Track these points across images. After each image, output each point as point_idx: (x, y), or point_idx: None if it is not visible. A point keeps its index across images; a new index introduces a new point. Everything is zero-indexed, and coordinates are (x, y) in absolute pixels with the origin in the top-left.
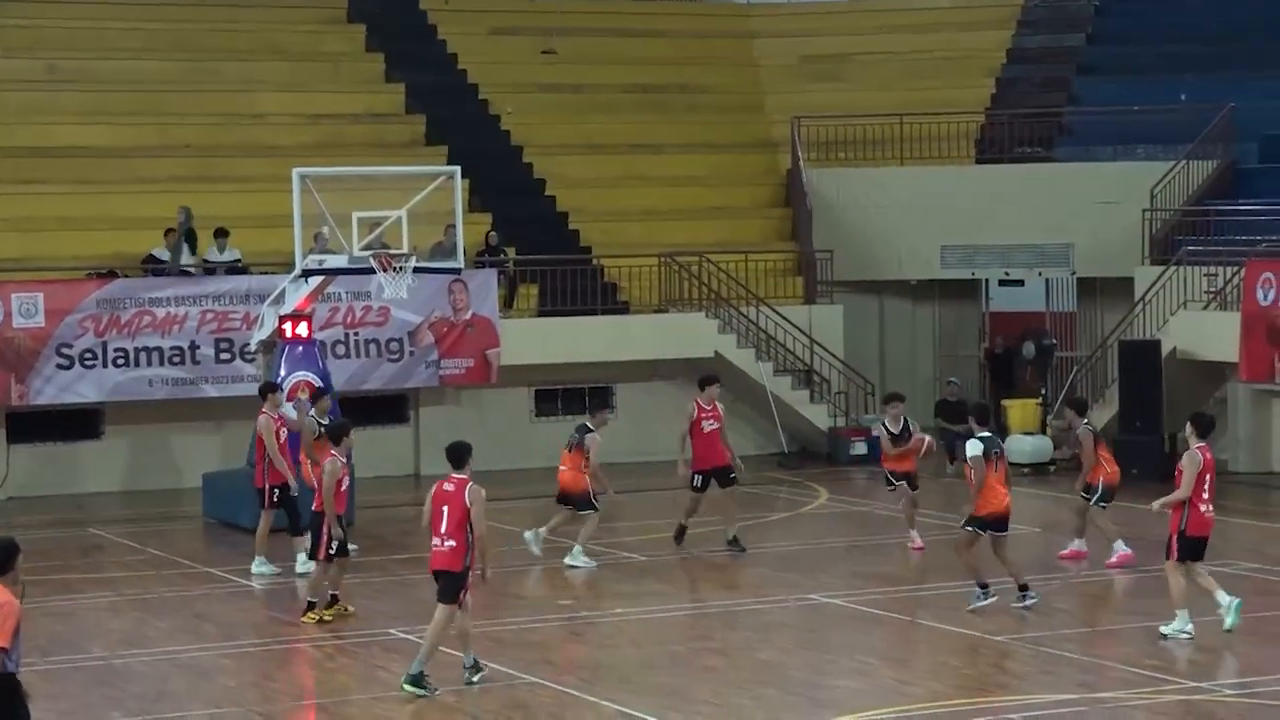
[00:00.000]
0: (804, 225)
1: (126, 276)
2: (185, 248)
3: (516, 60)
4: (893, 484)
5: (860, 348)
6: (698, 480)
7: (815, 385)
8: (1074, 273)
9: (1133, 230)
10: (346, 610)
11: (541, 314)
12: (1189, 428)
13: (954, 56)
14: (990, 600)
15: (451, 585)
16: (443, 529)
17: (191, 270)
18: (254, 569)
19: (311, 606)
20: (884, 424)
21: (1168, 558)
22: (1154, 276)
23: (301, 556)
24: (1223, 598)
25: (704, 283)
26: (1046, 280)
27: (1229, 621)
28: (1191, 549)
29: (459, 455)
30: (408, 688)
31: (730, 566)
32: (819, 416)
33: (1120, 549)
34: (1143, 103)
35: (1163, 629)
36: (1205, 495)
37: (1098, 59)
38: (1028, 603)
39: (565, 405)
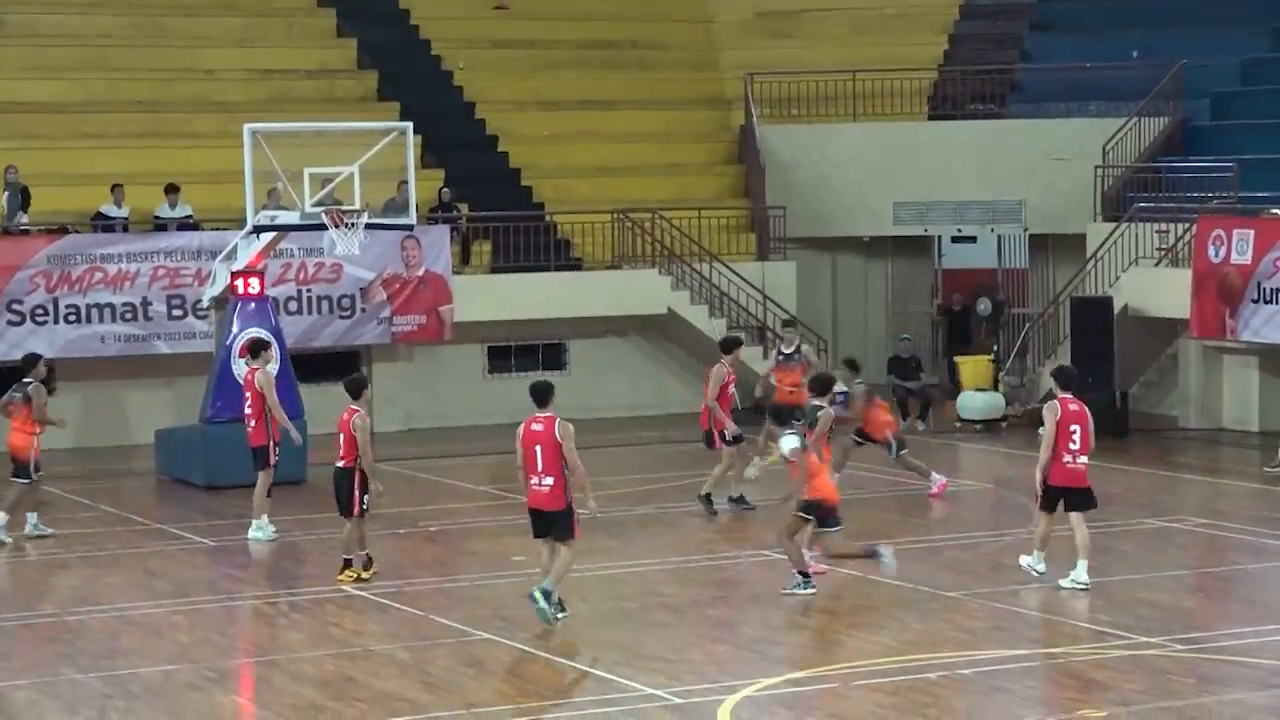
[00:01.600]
0: (757, 182)
1: (77, 232)
2: (19, 204)
3: (469, 16)
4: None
5: (813, 304)
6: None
7: (768, 342)
8: (1026, 229)
9: (1084, 187)
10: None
11: (494, 270)
12: (1052, 380)
13: (907, 13)
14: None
15: (563, 524)
16: (538, 468)
17: (31, 228)
18: (252, 533)
19: (348, 564)
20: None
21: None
22: (1106, 233)
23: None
24: (1038, 565)
25: (657, 239)
26: (999, 237)
27: (1039, 569)
28: (1054, 499)
29: (544, 394)
30: (540, 601)
31: (683, 524)
32: None
33: (937, 479)
34: (1094, 59)
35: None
36: (1073, 446)
37: (1050, 15)
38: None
39: (518, 363)
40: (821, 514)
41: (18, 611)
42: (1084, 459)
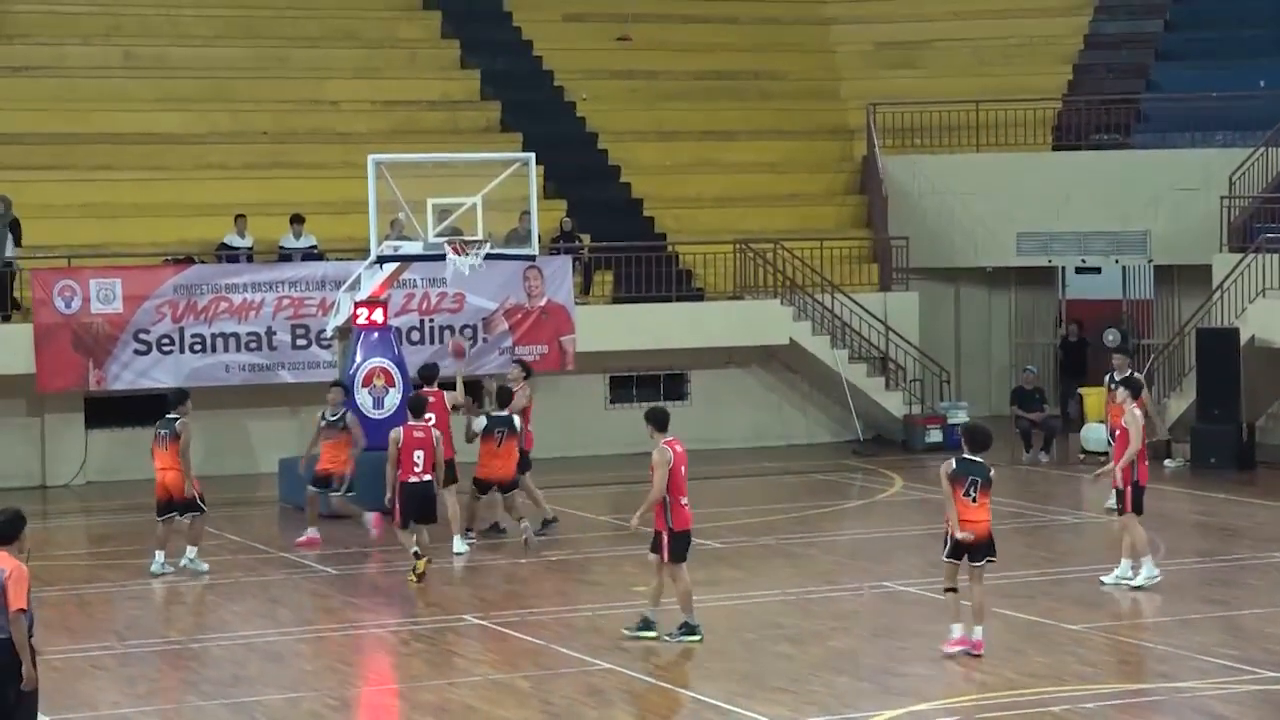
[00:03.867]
0: (879, 212)
1: (203, 262)
2: (10, 239)
3: (591, 47)
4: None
5: (936, 335)
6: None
7: (890, 372)
8: (1151, 260)
9: (1211, 217)
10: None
11: (616, 301)
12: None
13: (1031, 43)
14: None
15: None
16: (685, 489)
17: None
18: (456, 548)
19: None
20: None
21: (1122, 512)
22: (1232, 264)
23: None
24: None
25: (779, 269)
26: (1123, 268)
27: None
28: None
29: (665, 419)
30: (685, 638)
31: (804, 555)
32: (894, 404)
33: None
34: (1221, 89)
35: (1105, 579)
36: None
37: (1176, 45)
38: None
39: (640, 393)
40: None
41: (143, 639)
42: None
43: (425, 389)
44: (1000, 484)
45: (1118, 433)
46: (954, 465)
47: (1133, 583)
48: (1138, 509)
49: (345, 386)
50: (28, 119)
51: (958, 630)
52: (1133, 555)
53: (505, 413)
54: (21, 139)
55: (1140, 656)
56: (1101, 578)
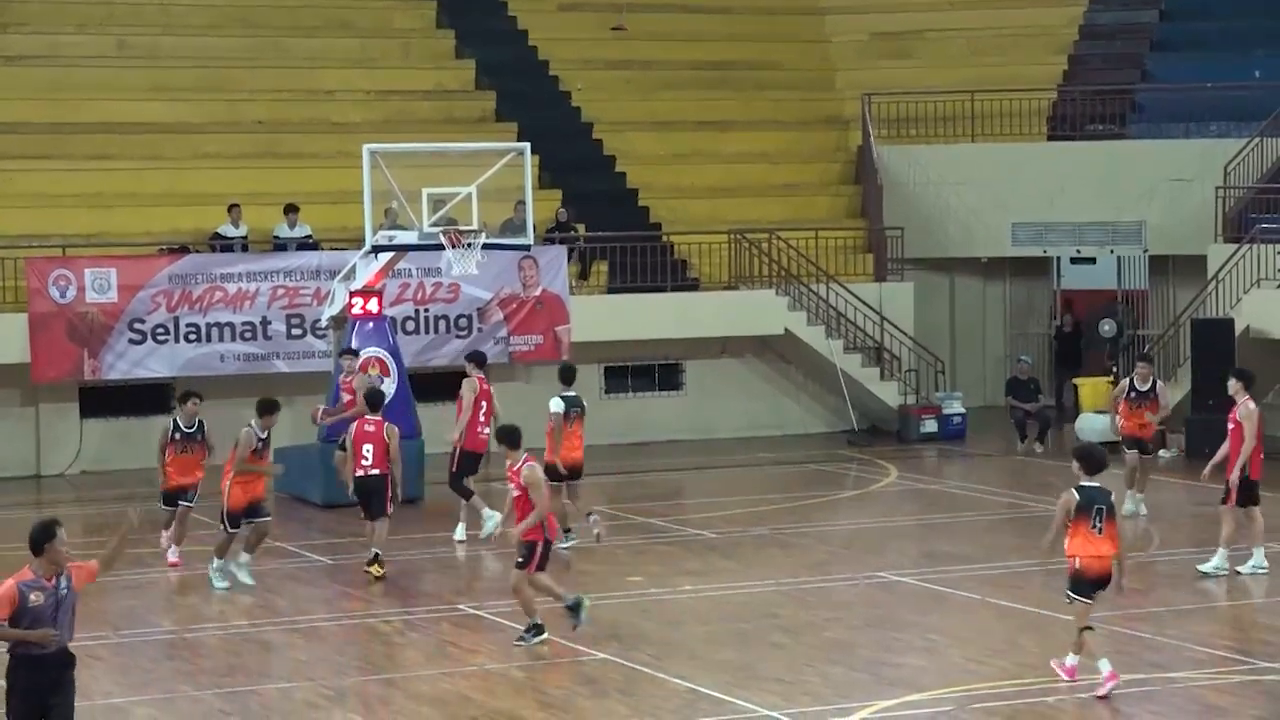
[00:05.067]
0: (874, 202)
1: (198, 252)
2: None
3: (586, 37)
4: None
5: (931, 325)
6: None
7: (885, 363)
8: (1146, 250)
9: (1206, 208)
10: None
11: (611, 291)
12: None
13: (1026, 33)
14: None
15: None
16: None
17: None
18: (485, 529)
19: (377, 559)
20: None
21: (1225, 503)
22: (1227, 255)
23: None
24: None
25: (774, 260)
26: (1118, 258)
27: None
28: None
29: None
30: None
31: (798, 545)
32: (889, 394)
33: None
34: (1216, 79)
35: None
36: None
37: (1170, 35)
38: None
39: (635, 383)
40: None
41: (137, 629)
42: None
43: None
44: (995, 474)
45: (1230, 432)
46: (1077, 496)
47: (1243, 569)
48: (1249, 501)
49: (197, 396)
50: (22, 108)
51: (1106, 665)
52: (1229, 544)
53: (574, 392)
54: (16, 128)
55: (1134, 646)
56: (1199, 565)
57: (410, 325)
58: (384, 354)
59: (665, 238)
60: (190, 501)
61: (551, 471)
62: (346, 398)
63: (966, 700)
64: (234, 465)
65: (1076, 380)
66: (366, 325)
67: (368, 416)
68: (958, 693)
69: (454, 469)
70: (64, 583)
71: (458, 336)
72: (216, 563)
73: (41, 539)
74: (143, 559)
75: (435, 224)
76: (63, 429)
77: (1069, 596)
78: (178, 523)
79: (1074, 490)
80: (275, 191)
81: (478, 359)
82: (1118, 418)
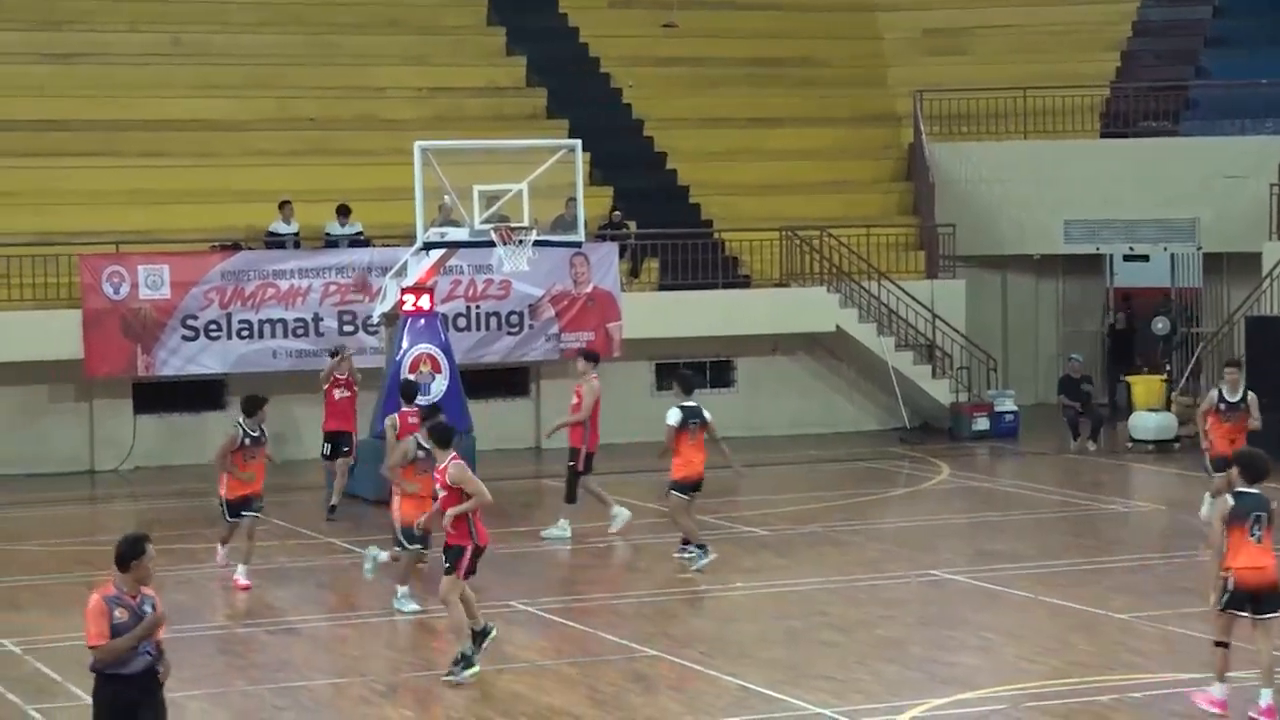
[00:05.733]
0: (926, 199)
1: (250, 249)
2: None
3: (637, 33)
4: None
5: (982, 323)
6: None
7: (937, 360)
8: (1200, 248)
9: (1260, 205)
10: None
11: (662, 288)
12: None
13: (1078, 29)
14: (710, 558)
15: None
16: None
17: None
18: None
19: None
20: None
21: None
22: None
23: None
24: None
25: (825, 257)
26: (1172, 255)
27: None
28: None
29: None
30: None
31: (850, 543)
32: (941, 392)
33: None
34: (1270, 76)
35: None
36: None
37: (1224, 31)
38: (701, 562)
39: None
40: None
41: (191, 624)
42: None
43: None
44: (1047, 472)
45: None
46: (1231, 502)
47: None
48: None
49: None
50: (75, 106)
51: (1219, 691)
52: None
53: (694, 402)
54: (69, 126)
55: (1189, 645)
56: None
57: (461, 322)
58: (435, 351)
59: (716, 235)
60: (258, 511)
61: (679, 486)
62: (337, 395)
63: (1019, 699)
64: (217, 464)
65: (1129, 378)
66: (418, 322)
67: (405, 409)
68: (1010, 691)
69: (581, 469)
70: (147, 601)
71: (509, 333)
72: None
73: (130, 554)
74: (194, 554)
75: (486, 221)
76: (116, 425)
77: (1221, 608)
78: (246, 537)
79: (1229, 496)
80: (327, 188)
81: (594, 358)
82: (1206, 435)
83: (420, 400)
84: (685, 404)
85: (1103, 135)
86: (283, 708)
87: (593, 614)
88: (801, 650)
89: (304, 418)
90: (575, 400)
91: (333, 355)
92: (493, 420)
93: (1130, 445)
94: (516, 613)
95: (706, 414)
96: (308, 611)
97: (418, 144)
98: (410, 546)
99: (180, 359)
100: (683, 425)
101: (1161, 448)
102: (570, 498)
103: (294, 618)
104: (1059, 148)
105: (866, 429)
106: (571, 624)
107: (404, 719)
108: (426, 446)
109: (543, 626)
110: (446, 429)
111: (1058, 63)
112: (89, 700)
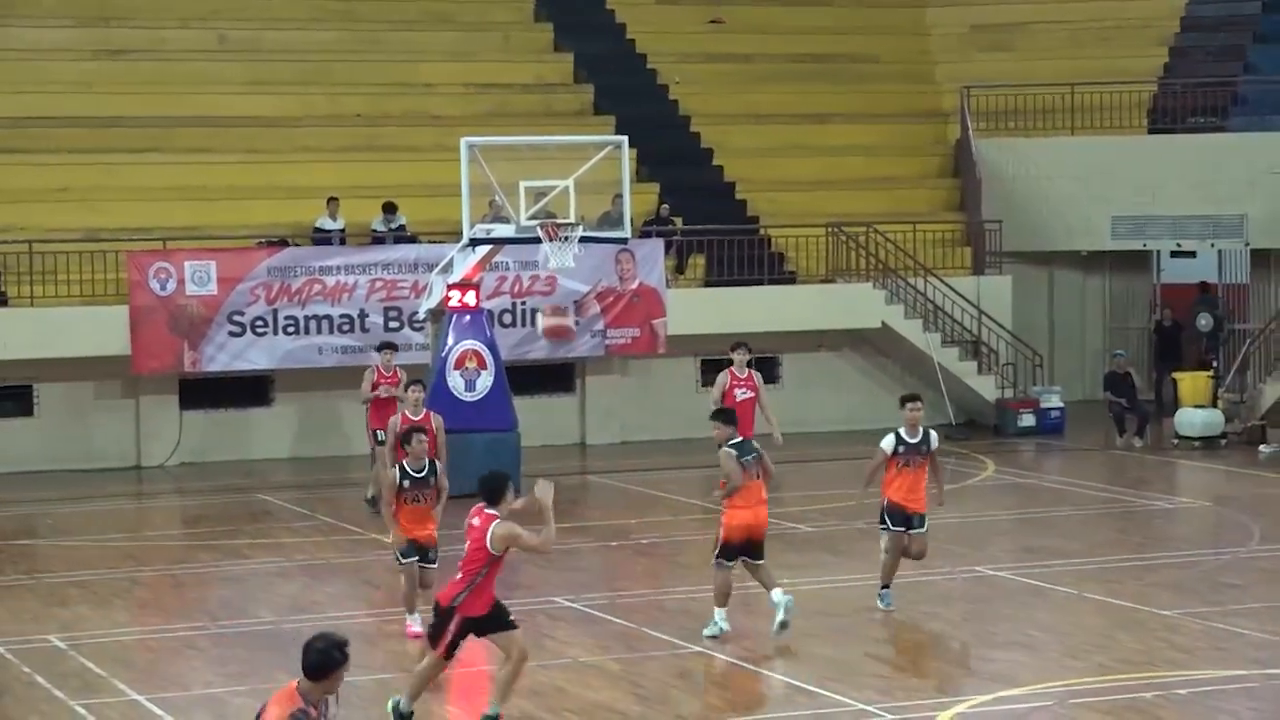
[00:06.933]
0: (972, 195)
1: (297, 245)
2: None
3: (684, 29)
4: None
5: (1029, 319)
6: None
7: (983, 356)
8: (1248, 244)
9: None
10: None
11: (708, 284)
12: None
13: (1126, 25)
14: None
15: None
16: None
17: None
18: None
19: None
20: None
21: None
22: None
23: None
24: None
25: (871, 253)
26: (1219, 252)
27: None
28: None
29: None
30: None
31: None
32: (986, 388)
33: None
34: None
35: None
36: None
37: (1274, 27)
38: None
39: None
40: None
41: (236, 619)
42: None
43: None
44: (1093, 469)
45: None
46: None
47: None
48: None
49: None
50: (124, 102)
51: None
52: None
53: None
54: (118, 122)
55: (1235, 642)
56: None
57: (507, 318)
58: (481, 347)
59: (762, 231)
60: (431, 562)
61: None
62: (384, 393)
63: (1065, 696)
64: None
65: (1176, 374)
66: (464, 318)
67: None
68: (1056, 688)
69: None
70: (330, 707)
71: None
72: None
73: (327, 665)
74: (239, 550)
75: (533, 217)
76: (163, 420)
77: None
78: (410, 583)
79: None
80: (374, 184)
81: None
82: None
83: (467, 396)
84: (903, 434)
85: (1150, 131)
86: None
87: (637, 610)
88: (846, 647)
89: (349, 413)
90: None
91: (378, 350)
92: (538, 417)
93: (1176, 442)
94: (560, 609)
95: (935, 438)
96: (354, 607)
97: (464, 140)
98: (405, 561)
99: (227, 355)
100: (895, 453)
101: (1208, 444)
102: None
103: (340, 613)
104: (1106, 144)
105: None
106: (615, 620)
107: (449, 715)
108: (412, 473)
109: (587, 622)
110: (497, 482)
111: (1105, 58)
112: (134, 695)
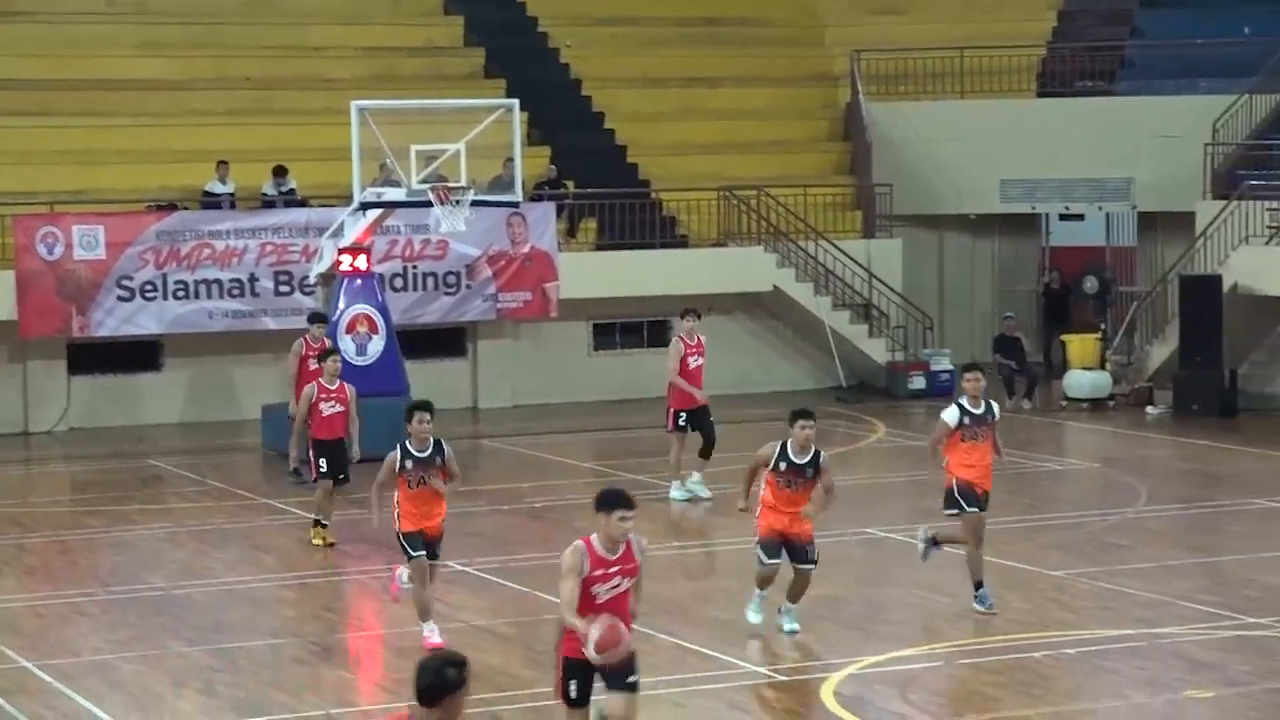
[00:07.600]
0: (863, 159)
1: (186, 209)
2: None
3: None
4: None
5: (919, 282)
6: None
7: (873, 320)
8: (1135, 207)
9: (1194, 165)
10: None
11: (600, 248)
12: None
13: None
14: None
15: None
16: None
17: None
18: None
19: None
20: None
21: None
22: (1215, 211)
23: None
24: None
25: (762, 216)
26: (1107, 215)
27: None
28: None
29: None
30: None
31: None
32: (877, 351)
33: None
34: (1206, 35)
35: None
36: None
37: None
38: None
39: (623, 340)
40: None
41: (126, 585)
42: None
43: None
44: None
45: None
46: None
47: None
48: None
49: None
50: (11, 64)
51: None
52: None
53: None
54: (5, 84)
55: (1121, 603)
56: None
57: (399, 282)
58: (372, 311)
59: (654, 194)
60: (435, 556)
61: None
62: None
63: (954, 656)
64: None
65: (1064, 337)
66: (354, 282)
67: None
68: (946, 648)
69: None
70: None
71: (446, 294)
72: None
73: (444, 688)
74: (129, 516)
75: (424, 181)
76: (51, 386)
77: None
78: (421, 582)
79: None
80: (264, 148)
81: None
82: None
83: (358, 360)
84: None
85: (1039, 95)
86: (217, 668)
87: (529, 574)
88: (736, 609)
89: (239, 377)
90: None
91: (310, 322)
92: (430, 380)
93: (1065, 404)
94: (453, 573)
95: (997, 410)
96: (245, 572)
97: (355, 103)
98: (414, 555)
99: (115, 320)
100: (960, 424)
101: (1096, 406)
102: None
103: (231, 578)
104: (995, 107)
105: (803, 388)
106: (508, 584)
107: (340, 679)
108: (415, 453)
109: (479, 586)
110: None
111: (995, 23)
112: (23, 662)
